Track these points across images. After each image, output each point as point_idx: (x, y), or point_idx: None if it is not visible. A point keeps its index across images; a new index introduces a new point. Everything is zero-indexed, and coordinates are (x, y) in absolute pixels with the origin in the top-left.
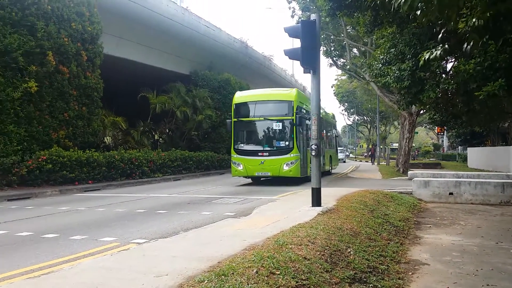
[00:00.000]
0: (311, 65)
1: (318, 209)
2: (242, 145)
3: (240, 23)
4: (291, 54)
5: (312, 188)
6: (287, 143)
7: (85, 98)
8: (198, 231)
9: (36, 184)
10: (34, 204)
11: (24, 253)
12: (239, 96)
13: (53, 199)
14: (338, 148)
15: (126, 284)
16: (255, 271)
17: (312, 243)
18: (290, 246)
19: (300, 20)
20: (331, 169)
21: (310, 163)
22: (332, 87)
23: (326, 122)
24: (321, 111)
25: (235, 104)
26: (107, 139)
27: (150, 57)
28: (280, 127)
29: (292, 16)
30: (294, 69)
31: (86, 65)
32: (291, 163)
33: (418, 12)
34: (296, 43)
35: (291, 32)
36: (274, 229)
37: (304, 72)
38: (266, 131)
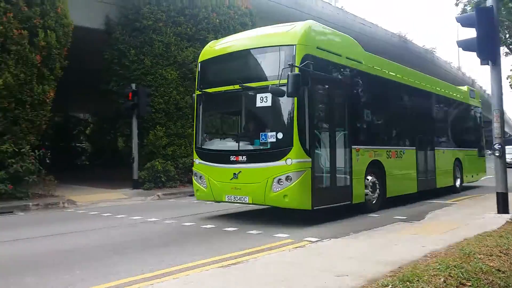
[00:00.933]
0: (489, 55)
1: (505, 217)
2: (207, 141)
3: (397, 16)
4: (465, 45)
5: (497, 193)
6: (280, 135)
7: None
8: (369, 233)
9: None
10: None
11: (212, 244)
12: (209, 49)
13: None
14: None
15: (309, 281)
16: (442, 280)
17: (504, 254)
18: (478, 256)
19: (466, 7)
20: (461, 182)
21: (352, 176)
22: (507, 78)
23: (449, 103)
24: (437, 86)
25: (201, 62)
26: None
27: None
28: (269, 103)
29: (457, 4)
30: (460, 61)
31: None
32: (287, 178)
33: None
34: (465, 33)
35: (464, 22)
36: (455, 237)
37: (481, 64)
38: (246, 112)
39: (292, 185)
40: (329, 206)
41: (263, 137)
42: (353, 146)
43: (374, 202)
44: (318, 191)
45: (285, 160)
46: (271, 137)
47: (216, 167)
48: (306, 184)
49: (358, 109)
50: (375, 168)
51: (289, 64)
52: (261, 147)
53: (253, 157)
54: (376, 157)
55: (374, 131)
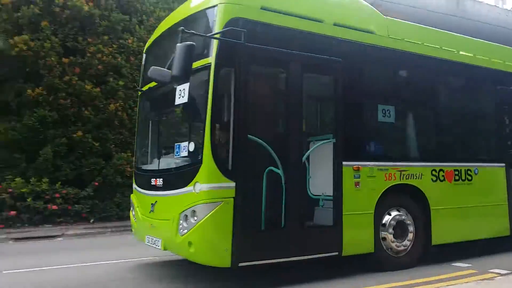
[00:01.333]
0: None
1: None
2: (141, 158)
3: None
4: None
5: None
6: (192, 147)
7: None
8: None
9: None
10: None
11: (382, 271)
12: (153, 34)
13: None
14: None
15: None
16: None
17: None
18: None
19: None
20: None
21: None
22: None
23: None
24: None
25: (145, 53)
26: None
27: None
28: (185, 99)
29: None
30: None
31: None
32: (193, 214)
33: None
34: None
35: None
36: None
37: None
38: (169, 114)
39: (197, 225)
40: (289, 260)
41: (177, 150)
42: (344, 163)
43: (405, 253)
44: (249, 236)
45: (193, 186)
46: (183, 149)
47: (140, 193)
48: (220, 225)
49: (361, 104)
50: (404, 197)
51: (180, 29)
52: (174, 166)
53: (168, 180)
54: (406, 180)
55: (401, 137)
